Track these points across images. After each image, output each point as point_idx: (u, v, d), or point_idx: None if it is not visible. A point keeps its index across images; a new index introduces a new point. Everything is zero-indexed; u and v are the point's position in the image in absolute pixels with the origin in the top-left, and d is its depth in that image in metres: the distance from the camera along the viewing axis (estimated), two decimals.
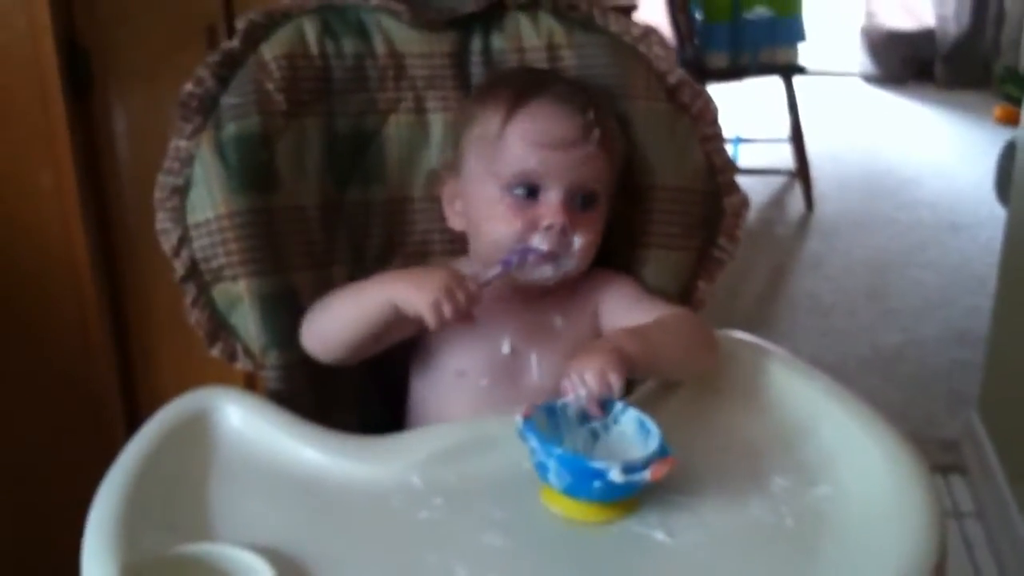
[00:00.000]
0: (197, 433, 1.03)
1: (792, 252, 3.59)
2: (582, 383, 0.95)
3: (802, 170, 3.84)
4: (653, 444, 0.93)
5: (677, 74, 1.18)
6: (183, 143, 1.12)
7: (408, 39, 1.18)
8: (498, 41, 1.20)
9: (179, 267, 1.12)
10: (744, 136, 4.13)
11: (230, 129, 1.12)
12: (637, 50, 1.19)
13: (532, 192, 1.08)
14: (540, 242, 1.08)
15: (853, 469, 0.98)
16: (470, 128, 1.12)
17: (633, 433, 0.97)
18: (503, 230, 1.08)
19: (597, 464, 0.90)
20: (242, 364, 1.14)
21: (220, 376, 1.19)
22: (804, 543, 0.91)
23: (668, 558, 0.90)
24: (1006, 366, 2.29)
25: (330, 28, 1.17)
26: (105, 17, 1.46)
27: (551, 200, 1.08)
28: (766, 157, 4.14)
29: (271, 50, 1.14)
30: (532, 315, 1.13)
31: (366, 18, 1.18)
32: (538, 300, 1.13)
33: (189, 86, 1.12)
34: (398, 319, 1.04)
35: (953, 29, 5.16)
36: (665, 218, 1.18)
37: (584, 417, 0.98)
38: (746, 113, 4.58)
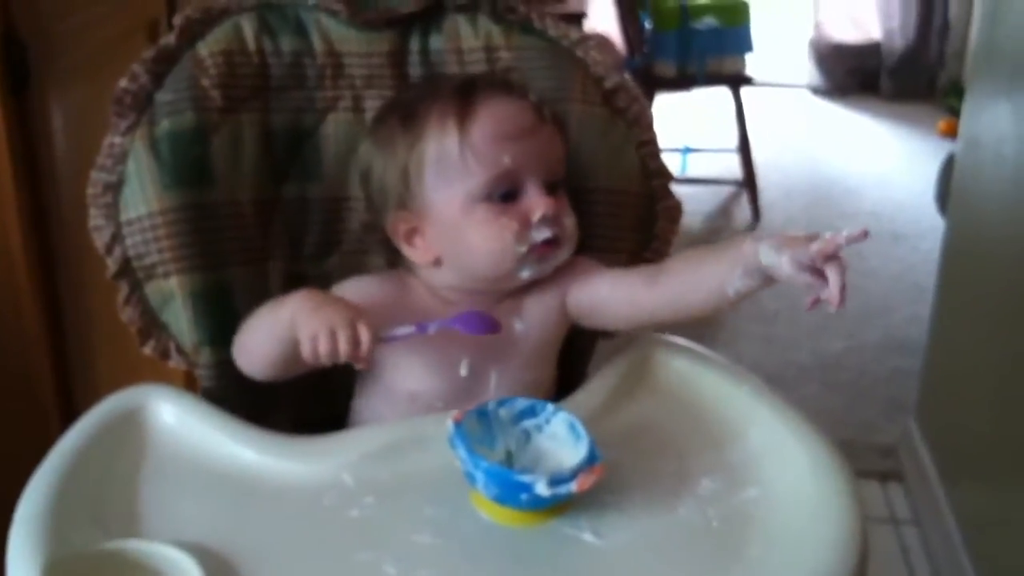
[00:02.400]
0: (129, 430, 1.02)
1: None
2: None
3: (749, 180, 3.87)
4: (582, 451, 0.94)
5: (613, 79, 1.20)
6: (117, 139, 1.11)
7: (347, 38, 1.18)
8: (437, 42, 1.20)
9: (112, 264, 1.12)
10: (692, 146, 4.16)
11: (164, 125, 1.11)
12: (574, 54, 1.20)
13: (512, 193, 1.07)
14: (539, 234, 1.06)
15: (779, 472, 1.00)
16: (412, 152, 1.07)
17: (564, 435, 0.98)
18: (499, 239, 1.06)
19: (523, 477, 0.91)
20: (175, 362, 1.14)
21: (159, 373, 1.19)
22: (730, 544, 0.92)
23: (596, 559, 0.91)
24: (942, 374, 2.32)
25: (268, 26, 1.17)
26: (44, 10, 1.44)
27: (534, 192, 1.06)
28: (714, 167, 4.17)
29: (208, 47, 1.14)
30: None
31: (304, 16, 1.18)
32: (497, 309, 1.10)
33: (124, 82, 1.11)
34: None
35: (899, 42, 5.23)
36: (599, 220, 1.19)
37: (518, 418, 0.99)
38: (694, 123, 4.61)
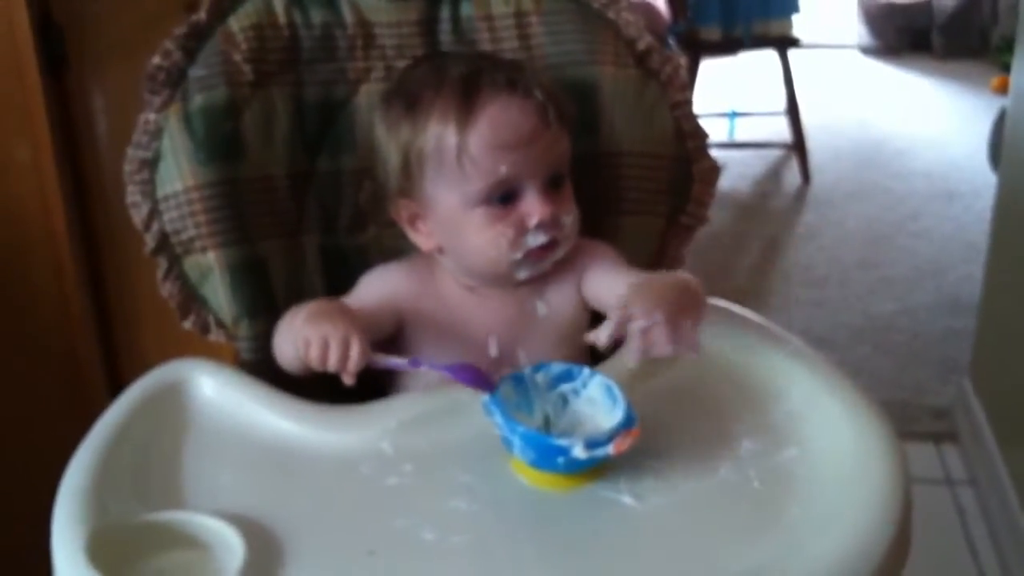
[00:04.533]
0: (170, 403, 1.03)
1: (787, 224, 3.58)
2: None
3: (798, 143, 3.83)
4: (619, 414, 0.93)
5: (646, 40, 1.18)
6: (152, 116, 1.12)
7: (376, 8, 1.18)
8: (467, 8, 1.20)
9: (150, 240, 1.13)
10: (740, 110, 4.11)
11: (197, 101, 1.12)
12: (606, 16, 1.19)
13: (509, 195, 1.05)
14: (535, 240, 1.05)
15: (820, 432, 0.98)
16: (413, 144, 1.06)
17: (601, 399, 0.97)
18: (495, 245, 1.05)
19: (560, 441, 0.91)
20: (215, 335, 1.15)
21: (203, 347, 1.20)
22: (770, 504, 0.91)
23: (636, 521, 0.90)
24: (997, 333, 2.29)
25: None
26: None
27: (532, 197, 1.04)
28: (762, 130, 4.12)
29: (238, 21, 1.15)
30: (515, 308, 1.11)
31: None
32: (518, 292, 1.11)
33: (156, 59, 1.12)
34: None
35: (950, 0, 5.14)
36: (634, 184, 1.19)
37: (553, 383, 0.99)
38: (741, 87, 4.56)
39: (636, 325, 0.91)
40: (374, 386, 1.13)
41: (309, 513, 0.92)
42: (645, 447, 0.95)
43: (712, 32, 3.71)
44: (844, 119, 4.54)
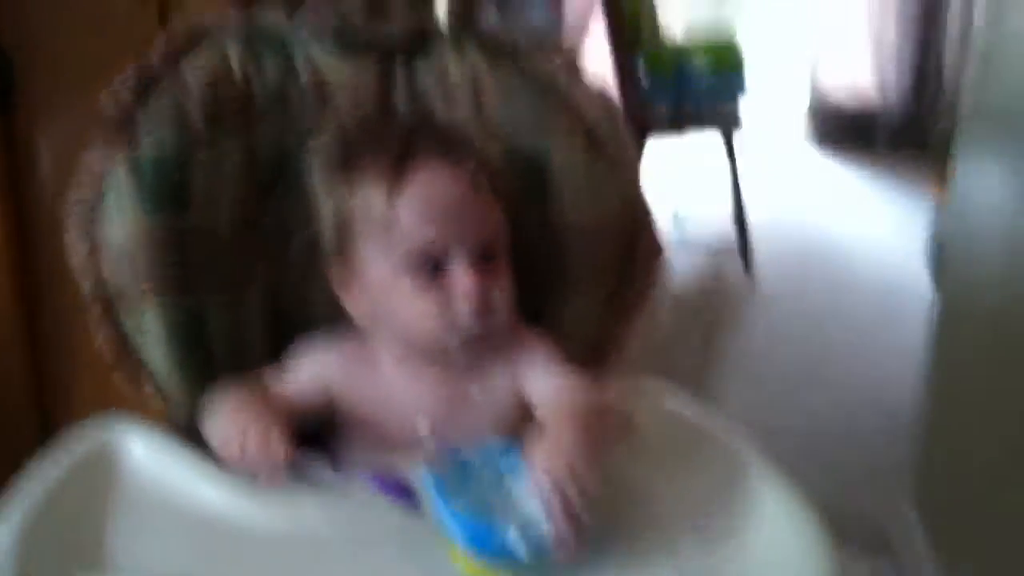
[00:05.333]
0: (99, 464, 1.00)
1: (731, 322, 3.57)
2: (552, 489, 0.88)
3: (742, 239, 3.85)
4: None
5: (597, 114, 1.18)
6: (97, 159, 1.10)
7: (333, 67, 1.18)
8: (423, 75, 1.20)
9: (86, 285, 1.10)
10: (684, 201, 4.15)
11: (145, 147, 1.10)
12: (559, 89, 1.19)
13: (437, 266, 1.02)
14: (463, 314, 1.02)
15: (758, 535, 0.96)
16: (346, 206, 1.05)
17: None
18: (422, 318, 1.03)
19: (495, 526, 0.87)
20: (147, 390, 1.12)
21: (138, 402, 1.16)
22: None
23: None
24: (939, 439, 2.28)
25: (254, 50, 1.17)
26: (33, 24, 1.43)
27: (460, 268, 1.02)
28: (707, 223, 4.16)
29: (192, 69, 1.13)
30: (448, 388, 1.09)
31: (291, 43, 1.18)
32: (451, 370, 1.08)
33: (106, 102, 1.10)
34: None
35: (895, 97, 5.26)
36: (579, 259, 1.18)
37: (492, 461, 0.96)
38: (687, 178, 4.61)
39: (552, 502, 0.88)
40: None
41: None
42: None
43: (661, 111, 3.76)
44: (789, 212, 4.58)
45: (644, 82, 3.76)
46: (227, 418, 0.98)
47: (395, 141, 1.05)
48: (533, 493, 0.89)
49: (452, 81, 1.19)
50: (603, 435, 0.96)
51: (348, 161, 1.06)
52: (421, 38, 1.20)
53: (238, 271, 1.16)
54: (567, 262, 1.17)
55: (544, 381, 1.06)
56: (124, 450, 1.02)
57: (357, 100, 1.19)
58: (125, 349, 1.12)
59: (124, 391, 1.14)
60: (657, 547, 0.95)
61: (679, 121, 3.80)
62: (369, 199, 1.03)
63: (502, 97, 1.19)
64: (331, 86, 1.18)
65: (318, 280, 1.18)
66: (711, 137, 3.84)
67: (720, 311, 3.68)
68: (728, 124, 3.78)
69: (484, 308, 1.03)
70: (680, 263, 3.95)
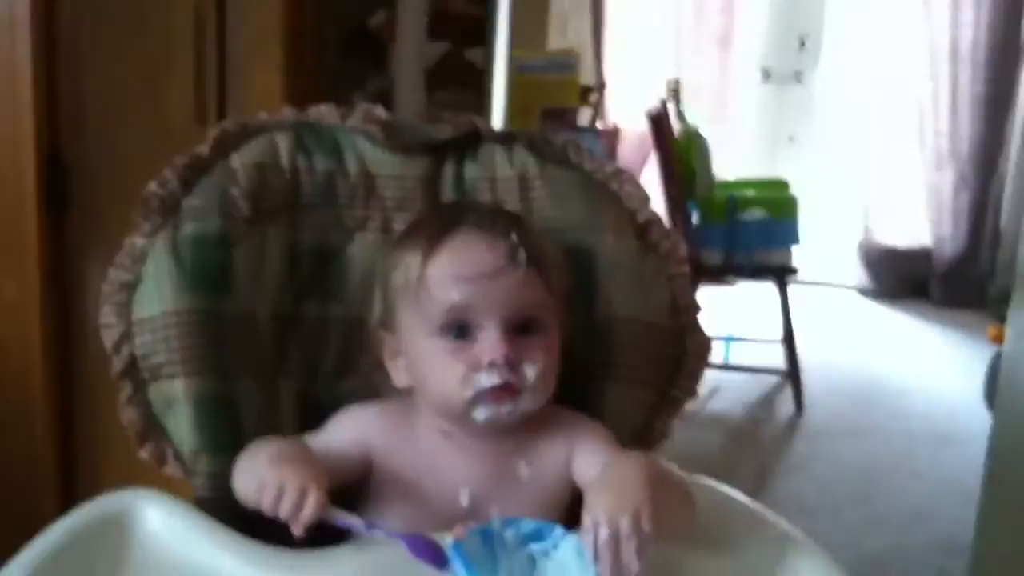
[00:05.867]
0: (111, 532, 0.97)
1: (779, 453, 3.53)
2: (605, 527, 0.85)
3: (792, 372, 3.82)
4: None
5: (647, 213, 1.18)
6: (139, 240, 1.10)
7: (381, 161, 1.18)
8: (471, 169, 1.20)
9: (118, 363, 1.09)
10: (736, 335, 4.12)
11: (188, 229, 1.10)
12: (608, 187, 1.19)
13: (466, 331, 1.02)
14: (488, 380, 1.01)
15: None
16: (390, 275, 1.07)
17: (572, 563, 0.91)
18: (447, 380, 1.02)
19: None
20: (171, 468, 1.09)
21: (166, 483, 1.13)
22: None
23: None
24: (991, 573, 2.21)
25: (303, 143, 1.17)
26: (91, 132, 1.47)
27: (489, 335, 1.01)
28: (758, 358, 4.12)
29: (241, 158, 1.14)
30: (493, 463, 1.06)
31: (341, 138, 1.19)
32: (499, 446, 1.06)
33: (153, 186, 1.11)
34: None
35: (949, 249, 5.24)
36: (627, 352, 1.16)
37: (523, 541, 0.93)
38: (739, 316, 4.59)
39: (601, 538, 0.85)
40: (337, 540, 1.07)
41: None
42: None
43: (714, 257, 3.77)
44: (840, 356, 4.55)
45: (696, 229, 3.78)
46: (264, 465, 0.95)
47: (444, 217, 1.07)
48: (584, 540, 0.86)
49: (500, 175, 1.19)
50: (666, 495, 0.93)
51: (402, 237, 1.10)
52: (472, 138, 1.21)
53: (273, 360, 1.14)
54: (614, 354, 1.15)
55: (597, 464, 1.01)
56: (140, 517, 0.98)
57: (404, 194, 1.18)
58: (151, 427, 1.10)
59: (151, 471, 1.11)
60: None
61: (732, 268, 3.80)
62: (408, 265, 1.04)
63: (550, 192, 1.18)
64: (379, 179, 1.18)
65: (352, 378, 1.18)
66: (764, 286, 3.84)
67: (772, 443, 3.62)
68: (781, 272, 3.77)
69: (513, 380, 1.01)
70: (731, 393, 3.90)
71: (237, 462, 1.04)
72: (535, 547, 0.92)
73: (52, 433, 1.43)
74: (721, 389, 3.96)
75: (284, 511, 0.91)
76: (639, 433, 1.16)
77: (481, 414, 1.02)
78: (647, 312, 1.17)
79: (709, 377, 4.01)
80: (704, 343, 1.19)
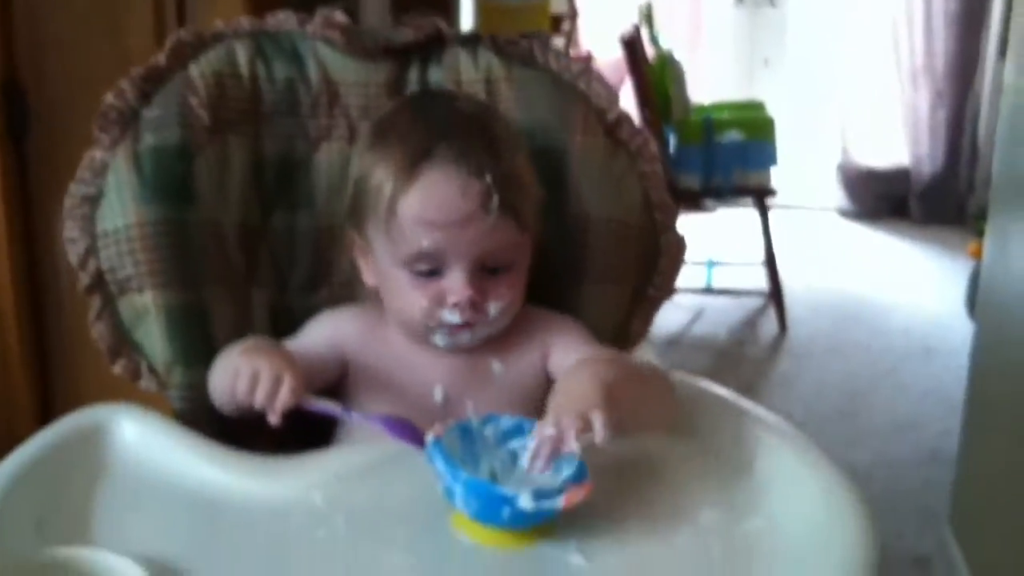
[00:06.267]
0: (88, 445, 0.96)
1: (764, 372, 3.54)
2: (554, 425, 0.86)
3: (775, 292, 3.81)
4: (569, 468, 0.87)
5: (616, 111, 1.16)
6: (98, 154, 1.08)
7: (343, 67, 1.16)
8: (436, 73, 1.18)
9: (84, 277, 1.08)
10: (717, 260, 4.12)
11: (148, 140, 1.08)
12: (576, 87, 1.17)
13: (434, 269, 1.01)
14: (451, 316, 1.01)
15: (787, 502, 0.92)
16: (362, 180, 1.03)
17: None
18: (410, 307, 1.02)
19: (504, 491, 0.84)
20: (145, 383, 1.08)
21: (142, 399, 1.13)
22: (730, 573, 0.84)
23: None
24: (976, 483, 2.23)
25: (262, 52, 1.15)
26: (49, 58, 1.44)
27: (455, 277, 1.00)
28: (740, 280, 4.12)
29: (199, 68, 1.12)
30: (466, 361, 1.06)
31: (300, 45, 1.16)
32: (471, 347, 1.06)
33: (110, 97, 1.09)
34: None
35: (927, 167, 5.22)
36: (600, 251, 1.15)
37: (502, 438, 0.92)
38: (720, 241, 4.59)
39: (544, 433, 0.87)
40: (317, 439, 1.06)
41: (228, 561, 0.85)
42: (598, 509, 0.89)
43: (691, 180, 3.75)
44: (822, 277, 4.55)
45: (673, 153, 3.76)
46: (240, 357, 0.95)
47: (420, 135, 1.01)
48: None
49: (466, 79, 1.17)
50: (640, 390, 0.95)
51: (379, 135, 1.04)
52: (435, 42, 1.18)
53: (244, 271, 1.13)
54: (588, 254, 1.14)
55: (572, 358, 1.02)
56: (117, 429, 0.97)
57: (368, 101, 1.16)
58: (122, 341, 1.09)
59: (128, 393, 1.10)
60: (678, 513, 0.91)
61: (709, 190, 3.78)
62: (380, 189, 1.01)
63: (517, 94, 1.16)
64: (341, 86, 1.16)
65: (324, 289, 1.17)
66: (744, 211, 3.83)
67: (756, 363, 3.63)
68: (761, 194, 3.75)
69: (474, 319, 1.02)
70: (714, 316, 3.91)
71: (213, 366, 1.03)
72: (515, 443, 0.92)
73: (26, 360, 1.42)
74: (704, 313, 3.96)
75: (259, 397, 0.91)
76: (617, 332, 1.16)
77: (440, 340, 1.03)
78: (619, 210, 1.15)
79: (692, 301, 4.02)
80: (678, 241, 1.18)
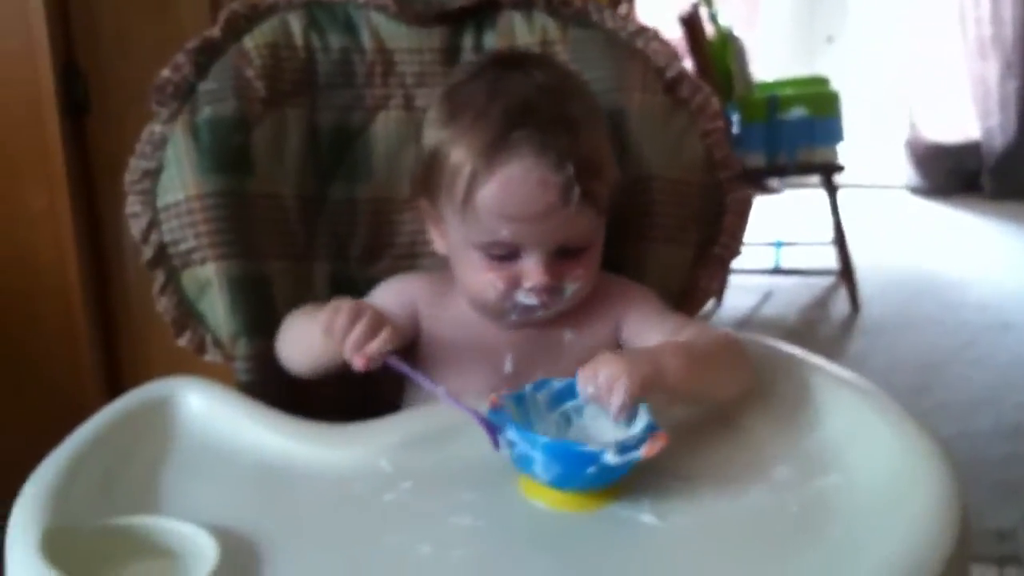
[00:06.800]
0: (154, 417, 0.96)
1: (836, 351, 3.47)
2: (591, 382, 0.86)
3: (846, 271, 3.74)
4: (640, 423, 0.85)
5: (675, 68, 1.14)
6: (157, 128, 1.09)
7: (397, 35, 1.15)
8: (490, 38, 1.16)
9: (147, 251, 1.08)
10: (785, 240, 4.05)
11: (205, 112, 1.08)
12: (634, 45, 1.15)
13: (510, 253, 0.98)
14: (525, 299, 0.99)
15: (865, 457, 0.89)
16: (438, 155, 0.99)
17: (602, 415, 0.88)
18: (484, 288, 0.99)
19: (589, 448, 0.82)
20: (211, 355, 1.08)
21: (209, 373, 1.13)
22: (808, 528, 0.82)
23: (656, 540, 0.81)
24: None
25: (316, 22, 1.14)
26: (105, 39, 1.45)
27: (531, 262, 0.97)
28: (809, 260, 4.05)
29: (253, 40, 1.12)
30: (538, 330, 1.04)
31: (354, 13, 1.15)
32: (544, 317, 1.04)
33: (166, 72, 1.09)
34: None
35: (999, 140, 5.11)
36: (663, 210, 1.13)
37: (554, 402, 0.90)
38: (787, 221, 4.53)
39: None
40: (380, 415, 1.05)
41: (295, 527, 0.83)
42: (667, 467, 0.87)
43: (756, 159, 3.69)
44: (893, 255, 4.47)
45: (736, 132, 3.70)
46: (333, 306, 0.91)
47: (501, 113, 0.96)
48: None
49: (521, 43, 1.16)
50: (712, 373, 0.94)
51: (455, 110, 0.99)
52: (489, 5, 1.16)
53: (303, 242, 1.13)
54: (651, 214, 1.12)
55: (653, 330, 1.00)
56: (183, 401, 0.98)
57: (423, 68, 1.15)
58: (187, 314, 1.09)
59: (195, 368, 1.10)
60: (752, 470, 0.89)
61: (775, 169, 3.72)
62: (456, 173, 0.96)
63: (573, 55, 1.14)
64: (396, 54, 1.15)
65: (385, 260, 1.16)
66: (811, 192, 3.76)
67: (828, 342, 3.57)
68: (828, 170, 3.68)
69: (548, 301, 0.99)
70: (784, 297, 3.85)
71: (283, 327, 1.02)
72: (568, 405, 0.90)
73: (93, 336, 1.43)
74: (773, 294, 3.90)
75: (355, 335, 0.89)
76: (682, 293, 1.14)
77: (514, 316, 1.01)
78: (681, 169, 1.13)
79: (760, 282, 3.96)
80: (743, 198, 1.15)
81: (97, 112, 1.43)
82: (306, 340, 0.98)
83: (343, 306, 0.90)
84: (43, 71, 1.36)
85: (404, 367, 0.92)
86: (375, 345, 0.89)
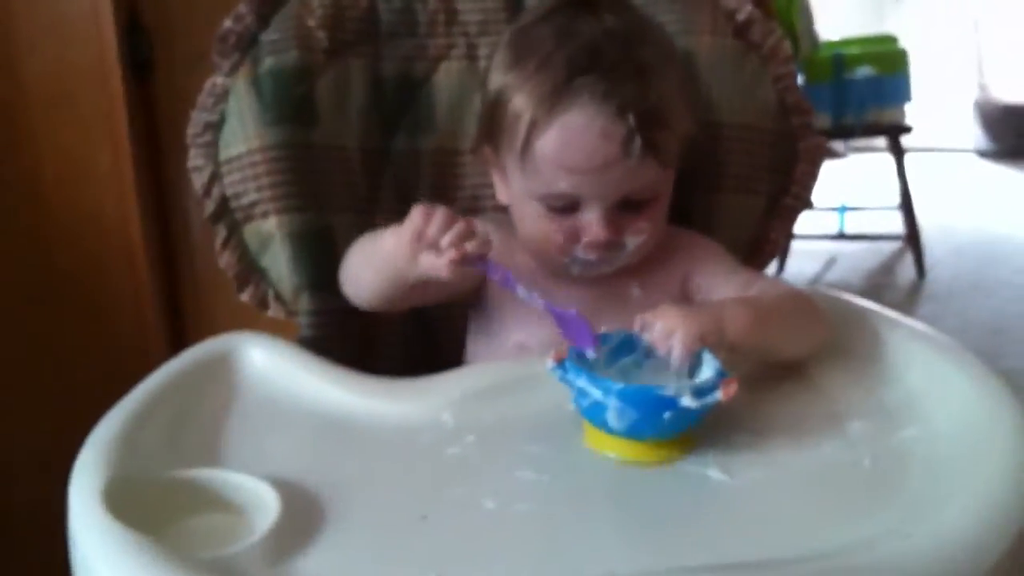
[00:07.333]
0: (218, 371, 0.96)
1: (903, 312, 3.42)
2: (649, 330, 0.85)
3: (912, 235, 3.67)
4: (708, 371, 0.83)
5: (746, 11, 1.11)
6: (219, 79, 1.08)
7: None
8: None
9: (210, 205, 1.07)
10: (850, 204, 3.98)
11: (267, 63, 1.07)
12: None
13: (570, 205, 0.95)
14: (584, 254, 0.96)
15: (942, 409, 0.86)
16: (500, 101, 0.96)
17: (663, 366, 0.86)
18: (543, 239, 0.97)
19: (665, 392, 0.80)
20: (273, 311, 1.08)
21: (273, 328, 1.13)
22: (884, 482, 0.79)
23: (725, 495, 0.79)
24: None
25: None
26: (171, 4, 1.44)
27: (591, 216, 0.94)
28: (874, 225, 3.98)
29: None
30: (605, 283, 1.01)
31: None
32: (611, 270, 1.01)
33: (228, 22, 1.08)
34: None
35: None
36: (734, 158, 1.10)
37: (613, 354, 0.88)
38: (852, 186, 4.45)
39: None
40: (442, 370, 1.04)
41: (358, 480, 0.83)
42: (736, 422, 0.85)
43: (822, 120, 3.62)
44: (961, 219, 4.38)
45: (802, 91, 3.63)
46: (423, 212, 0.88)
47: (561, 64, 0.92)
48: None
49: None
50: (779, 329, 0.91)
51: (519, 55, 0.96)
52: None
53: (367, 194, 1.11)
54: (721, 162, 1.09)
55: (722, 285, 0.98)
56: (245, 356, 0.97)
57: (486, 16, 1.13)
58: (249, 269, 1.08)
59: (256, 318, 1.10)
60: (825, 423, 0.87)
61: (841, 129, 3.65)
62: (517, 119, 0.93)
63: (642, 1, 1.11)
64: (458, 2, 1.13)
65: (452, 207, 1.12)
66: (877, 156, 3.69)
67: (894, 307, 3.51)
68: (895, 131, 3.61)
69: (608, 257, 0.97)
70: (849, 262, 3.79)
71: (345, 259, 1.00)
72: (627, 359, 0.88)
73: (157, 292, 1.44)
74: (837, 260, 3.85)
75: (449, 235, 0.86)
76: (753, 244, 1.11)
77: (575, 270, 0.99)
78: (752, 115, 1.10)
79: (825, 248, 3.90)
80: (818, 145, 1.12)
81: (162, 70, 1.42)
82: (378, 257, 0.94)
83: (434, 211, 0.87)
84: (107, 29, 1.35)
85: (500, 268, 0.89)
86: (474, 244, 0.86)
